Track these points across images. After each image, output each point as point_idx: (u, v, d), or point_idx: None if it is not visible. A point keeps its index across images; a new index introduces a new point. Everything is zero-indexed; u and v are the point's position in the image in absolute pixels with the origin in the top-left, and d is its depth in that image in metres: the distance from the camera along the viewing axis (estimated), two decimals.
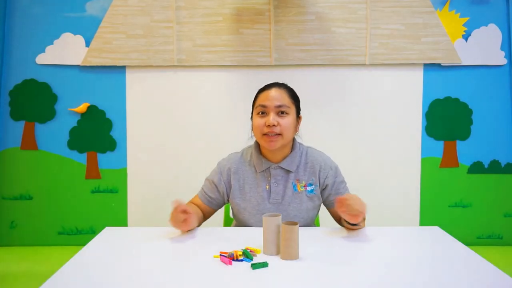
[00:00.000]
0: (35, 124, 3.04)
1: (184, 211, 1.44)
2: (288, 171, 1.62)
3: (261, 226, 1.58)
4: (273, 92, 1.58)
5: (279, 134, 1.54)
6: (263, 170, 1.62)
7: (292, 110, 1.60)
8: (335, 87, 3.03)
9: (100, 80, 3.02)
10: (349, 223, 1.49)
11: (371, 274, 1.16)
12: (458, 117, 3.07)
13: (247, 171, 1.65)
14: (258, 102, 1.59)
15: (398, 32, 2.97)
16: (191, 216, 1.47)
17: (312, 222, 1.70)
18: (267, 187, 1.62)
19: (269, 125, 1.53)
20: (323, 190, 1.65)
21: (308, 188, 1.62)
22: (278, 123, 1.54)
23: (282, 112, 1.56)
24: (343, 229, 1.59)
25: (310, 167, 1.64)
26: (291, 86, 1.67)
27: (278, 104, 1.55)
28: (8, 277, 2.62)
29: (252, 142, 1.70)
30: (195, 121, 3.05)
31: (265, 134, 1.55)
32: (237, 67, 3.01)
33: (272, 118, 1.53)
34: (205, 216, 1.70)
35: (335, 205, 1.44)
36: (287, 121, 1.56)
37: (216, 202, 1.69)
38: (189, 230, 1.56)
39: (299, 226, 1.31)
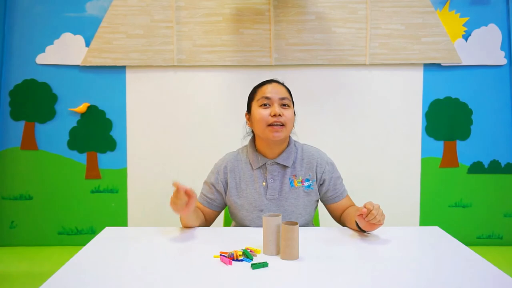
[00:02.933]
0: (35, 124, 3.04)
1: (186, 192, 1.43)
2: (284, 167, 1.63)
3: (259, 223, 1.60)
4: (274, 85, 1.63)
5: (283, 125, 1.57)
6: (259, 167, 1.63)
7: (292, 105, 1.64)
8: (335, 87, 3.03)
9: (100, 80, 3.02)
10: (361, 228, 1.49)
11: (371, 274, 1.16)
12: (458, 117, 3.07)
13: (243, 168, 1.66)
14: (261, 94, 1.61)
15: (398, 32, 2.97)
16: (192, 199, 1.46)
17: (311, 218, 1.71)
18: (264, 183, 1.62)
19: (275, 115, 1.55)
20: (320, 186, 1.66)
21: (305, 184, 1.63)
22: (283, 114, 1.57)
23: (284, 105, 1.60)
24: (343, 229, 1.59)
25: (307, 162, 1.65)
26: (290, 86, 1.70)
27: (282, 97, 1.60)
28: (8, 277, 2.62)
29: (247, 142, 1.72)
30: (195, 121, 3.05)
31: (270, 125, 1.56)
32: (237, 67, 3.01)
33: (277, 108, 1.57)
34: (208, 220, 1.70)
35: (357, 213, 1.43)
36: (290, 113, 1.60)
37: (217, 203, 1.69)
38: (187, 228, 1.57)
39: (299, 223, 1.31)
